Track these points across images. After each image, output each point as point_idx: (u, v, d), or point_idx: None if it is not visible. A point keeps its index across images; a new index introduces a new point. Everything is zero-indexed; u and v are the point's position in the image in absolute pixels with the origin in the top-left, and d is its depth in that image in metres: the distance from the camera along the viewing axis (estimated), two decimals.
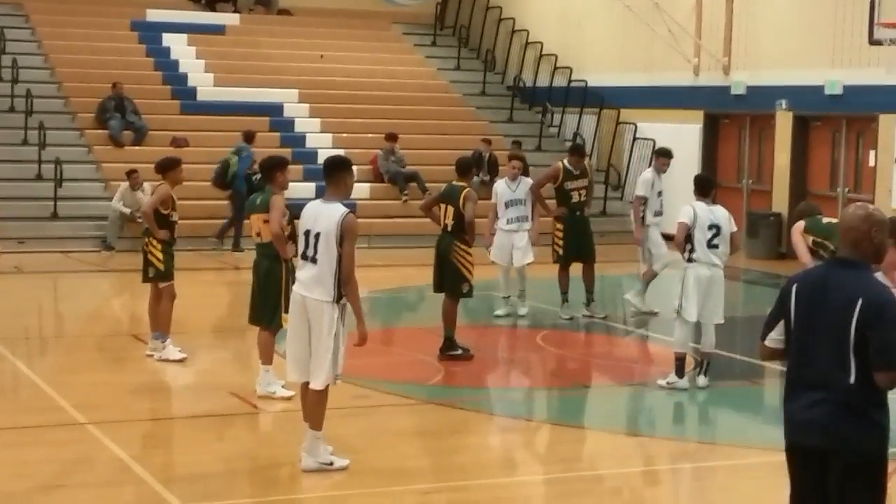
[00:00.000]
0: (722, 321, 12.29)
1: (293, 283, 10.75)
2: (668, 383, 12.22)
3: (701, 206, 12.14)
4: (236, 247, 21.76)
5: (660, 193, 16.16)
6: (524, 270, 15.86)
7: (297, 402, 9.65)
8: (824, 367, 5.88)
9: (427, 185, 23.58)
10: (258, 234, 11.53)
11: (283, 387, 11.20)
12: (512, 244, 15.66)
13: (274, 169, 11.59)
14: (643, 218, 16.10)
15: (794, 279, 6.16)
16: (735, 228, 12.34)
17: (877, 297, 5.84)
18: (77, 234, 22.19)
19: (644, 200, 16.10)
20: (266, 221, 11.33)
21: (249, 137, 23.11)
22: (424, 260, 14.77)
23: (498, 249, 15.75)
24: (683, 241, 12.05)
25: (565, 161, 16.10)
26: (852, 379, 5.80)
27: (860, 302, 5.78)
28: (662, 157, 16.42)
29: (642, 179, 16.49)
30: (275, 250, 11.32)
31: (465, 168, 13.67)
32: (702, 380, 12.27)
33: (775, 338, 6.16)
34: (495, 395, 12.76)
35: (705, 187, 12.44)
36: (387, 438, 10.45)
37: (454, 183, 13.45)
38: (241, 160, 22.38)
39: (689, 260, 12.07)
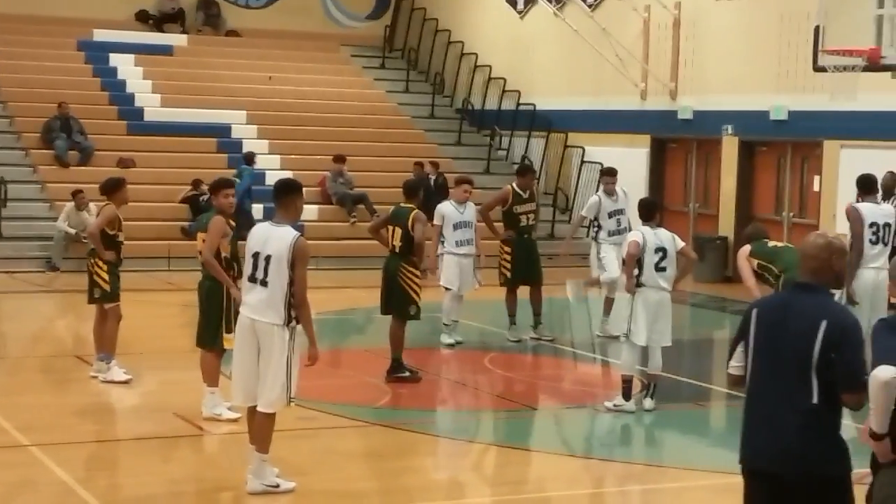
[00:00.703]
0: (669, 344, 12.36)
1: (238, 303, 10.77)
2: (614, 405, 12.26)
3: (647, 231, 12.22)
4: None
5: (614, 213, 16.22)
6: (463, 298, 15.76)
7: (243, 425, 9.59)
8: (784, 391, 5.95)
9: (375, 206, 23.60)
10: (200, 254, 11.48)
11: (228, 409, 11.14)
12: (461, 269, 15.58)
13: (214, 190, 11.57)
14: (595, 237, 16.30)
15: (754, 304, 6.26)
16: (682, 244, 12.41)
17: (841, 319, 5.95)
18: (22, 255, 22.00)
19: (587, 221, 16.35)
20: (205, 241, 11.31)
21: (249, 159, 23.54)
22: (372, 282, 14.76)
23: (450, 274, 15.51)
24: (634, 255, 12.08)
25: (514, 184, 16.13)
26: (815, 399, 5.87)
27: (824, 324, 5.88)
28: (605, 175, 16.63)
29: (589, 202, 16.69)
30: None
31: (413, 190, 13.66)
32: (648, 402, 12.31)
33: (735, 364, 6.24)
34: (443, 417, 12.76)
35: (650, 211, 12.51)
36: (333, 460, 10.40)
37: (402, 205, 13.45)
38: (242, 182, 22.55)
39: (637, 284, 12.13)
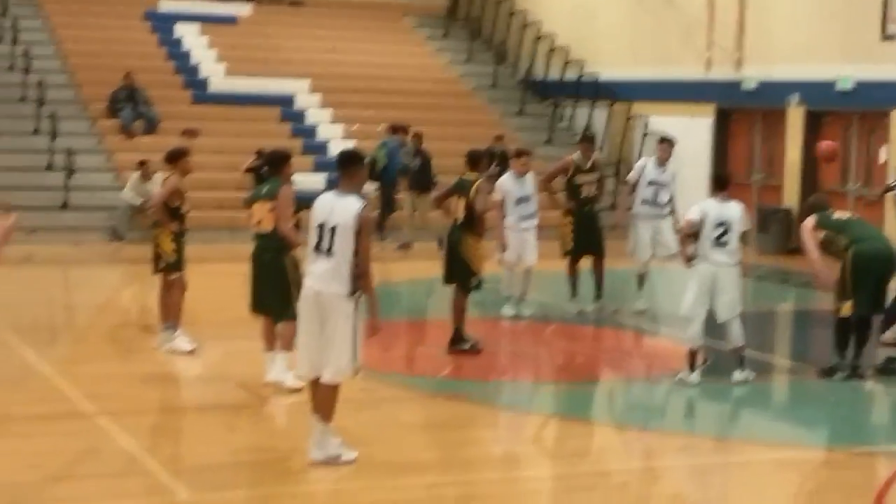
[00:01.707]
0: (734, 316, 12.22)
1: (299, 271, 10.80)
2: (680, 379, 12.21)
3: (711, 203, 12.15)
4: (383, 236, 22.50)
5: (654, 183, 15.94)
6: (530, 271, 15.72)
7: (305, 394, 9.62)
8: None
9: (437, 177, 23.57)
10: (258, 223, 11.53)
11: (294, 378, 11.20)
12: (522, 243, 15.52)
13: (282, 162, 11.63)
14: (631, 206, 16.13)
15: None
16: (748, 227, 12.30)
17: None
18: (87, 225, 22.21)
19: (633, 187, 16.07)
20: (271, 210, 11.36)
21: (396, 130, 23.90)
22: (434, 253, 14.77)
23: (510, 248, 15.35)
24: (686, 236, 12.11)
25: (576, 155, 16.06)
26: None
27: None
28: (663, 143, 16.30)
29: (636, 165, 16.50)
30: (277, 241, 11.34)
31: (476, 160, 13.53)
32: (738, 374, 12.25)
33: None
34: (503, 388, 12.71)
35: (720, 183, 12.44)
36: (395, 431, 10.44)
37: (465, 175, 13.42)
38: (388, 153, 23.06)
39: (694, 256, 12.11)
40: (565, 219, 15.87)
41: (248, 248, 11.73)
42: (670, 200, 16.02)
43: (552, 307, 16.44)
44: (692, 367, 12.21)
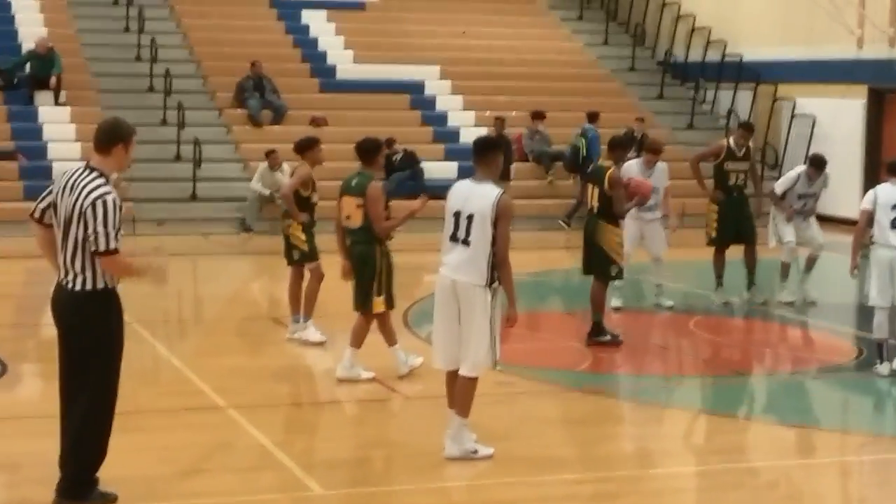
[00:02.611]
0: None
1: (389, 266, 11.01)
2: (874, 370, 11.89)
3: (884, 187, 11.85)
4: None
5: (804, 196, 15.49)
6: (660, 260, 15.26)
7: (440, 387, 9.33)
8: None
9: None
10: (348, 218, 11.27)
11: (364, 370, 11.27)
12: (641, 233, 14.98)
13: (374, 152, 11.37)
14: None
15: None
16: None
17: None
18: (216, 216, 22.09)
19: (782, 195, 15.58)
20: (359, 206, 11.10)
21: (593, 117, 23.98)
22: (572, 242, 14.41)
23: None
24: (864, 226, 11.84)
25: (730, 140, 15.59)
26: None
27: None
28: (812, 166, 15.66)
29: (788, 175, 15.97)
30: (368, 235, 11.10)
31: (613, 147, 13.10)
32: (883, 368, 11.81)
33: None
34: (645, 382, 12.35)
35: (894, 170, 12.05)
36: (533, 426, 10.18)
37: (601, 163, 13.11)
38: (588, 141, 23.08)
39: (871, 242, 11.77)
40: (711, 206, 15.41)
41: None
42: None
43: (696, 297, 16.02)
44: (881, 359, 11.85)
